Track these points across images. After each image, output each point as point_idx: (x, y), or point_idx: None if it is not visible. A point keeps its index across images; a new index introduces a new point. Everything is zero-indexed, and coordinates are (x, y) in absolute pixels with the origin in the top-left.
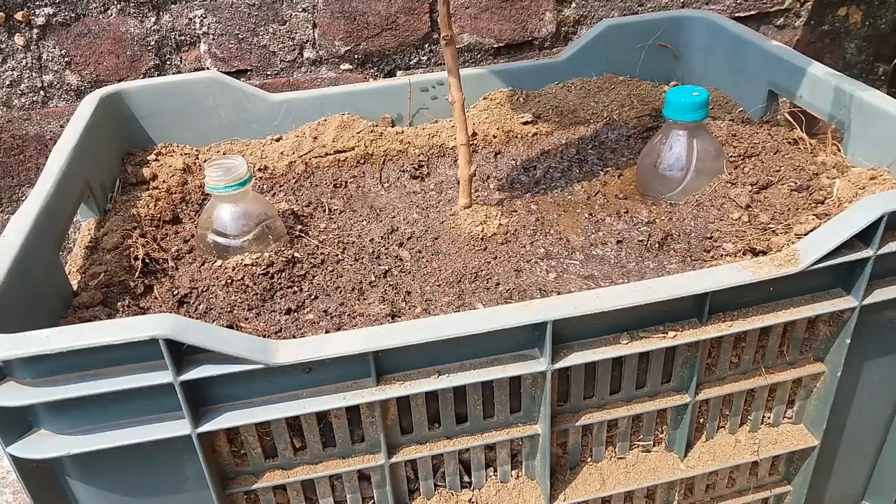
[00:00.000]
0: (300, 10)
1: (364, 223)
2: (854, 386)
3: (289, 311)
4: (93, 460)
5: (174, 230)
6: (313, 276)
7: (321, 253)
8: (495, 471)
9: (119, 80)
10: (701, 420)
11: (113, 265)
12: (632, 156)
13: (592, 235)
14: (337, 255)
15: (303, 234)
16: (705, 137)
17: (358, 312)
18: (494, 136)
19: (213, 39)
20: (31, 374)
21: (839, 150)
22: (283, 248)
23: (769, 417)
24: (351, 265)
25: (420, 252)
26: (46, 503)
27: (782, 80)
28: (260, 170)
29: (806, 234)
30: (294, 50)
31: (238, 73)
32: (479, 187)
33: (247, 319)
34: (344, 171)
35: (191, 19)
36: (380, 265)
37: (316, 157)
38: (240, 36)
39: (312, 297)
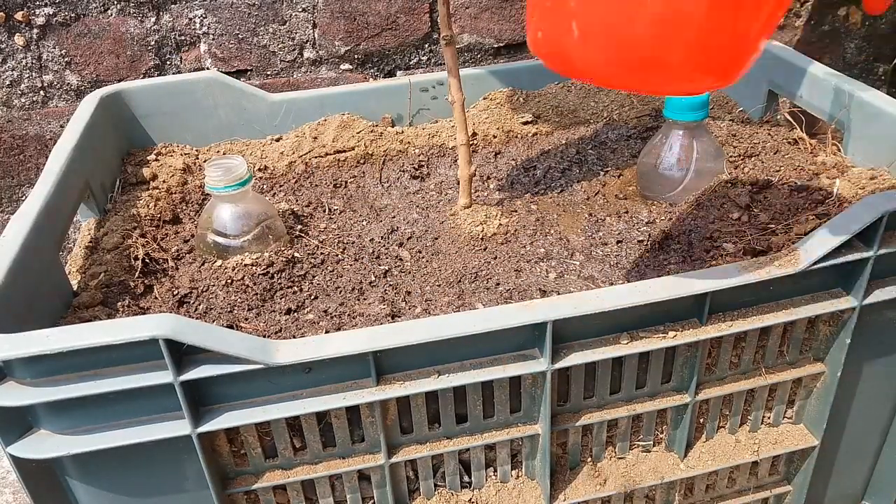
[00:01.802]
0: (300, 10)
1: (364, 223)
2: (854, 386)
3: (289, 311)
4: (93, 460)
5: (174, 230)
6: (313, 276)
7: (321, 253)
8: (495, 471)
9: (119, 80)
10: (701, 420)
11: (113, 265)
12: (632, 156)
13: (592, 235)
14: (337, 255)
15: (303, 234)
16: (705, 137)
17: (358, 312)
18: (494, 136)
19: (213, 39)
20: (31, 374)
21: (839, 150)
22: (283, 248)
23: (769, 417)
24: (351, 265)
25: (420, 252)
26: (46, 503)
27: (782, 80)
28: (260, 170)
29: (806, 234)
30: (294, 50)
31: (238, 73)
32: (479, 187)
33: (247, 319)
34: (344, 171)
35: (191, 19)
36: (380, 265)
37: (316, 157)
38: (240, 36)
39: (312, 297)
